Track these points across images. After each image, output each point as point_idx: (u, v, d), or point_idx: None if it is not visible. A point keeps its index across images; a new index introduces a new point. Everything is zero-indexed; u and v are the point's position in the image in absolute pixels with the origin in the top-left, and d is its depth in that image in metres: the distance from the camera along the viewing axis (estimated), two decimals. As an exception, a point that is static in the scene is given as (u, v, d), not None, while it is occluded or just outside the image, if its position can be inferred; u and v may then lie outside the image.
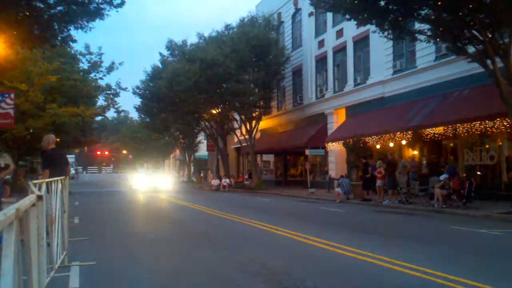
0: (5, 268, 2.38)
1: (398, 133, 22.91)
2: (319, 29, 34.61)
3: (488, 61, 16.31)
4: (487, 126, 18.39)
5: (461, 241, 11.16)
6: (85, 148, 77.23)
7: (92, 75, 38.20)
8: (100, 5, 17.62)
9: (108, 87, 39.47)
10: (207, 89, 35.40)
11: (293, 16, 38.67)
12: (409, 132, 22.31)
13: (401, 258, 8.34)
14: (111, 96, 39.62)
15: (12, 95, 22.05)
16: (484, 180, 20.93)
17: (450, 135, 20.69)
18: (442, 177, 18.12)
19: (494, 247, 10.28)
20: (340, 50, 31.88)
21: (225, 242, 11.21)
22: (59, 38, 19.08)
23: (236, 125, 42.77)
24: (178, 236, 12.44)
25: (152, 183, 38.16)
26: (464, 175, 19.80)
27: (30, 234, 3.47)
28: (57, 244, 7.43)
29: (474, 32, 16.45)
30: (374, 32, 20.02)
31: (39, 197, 3.81)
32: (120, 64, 38.76)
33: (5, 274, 2.36)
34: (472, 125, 18.99)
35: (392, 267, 7.79)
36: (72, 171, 57.92)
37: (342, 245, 9.86)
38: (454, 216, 16.15)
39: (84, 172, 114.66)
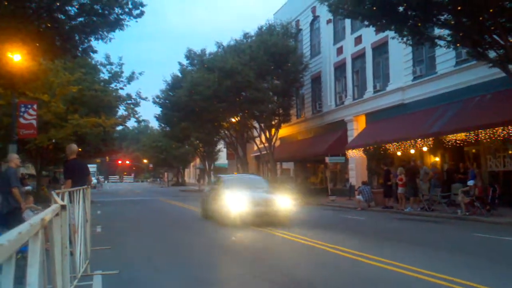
0: (31, 277, 2.41)
1: (419, 139, 22.70)
2: (338, 36, 34.55)
3: (510, 66, 16.12)
4: (510, 131, 18.12)
5: (486, 249, 10.99)
6: (107, 157, 77.92)
7: (112, 85, 38.55)
8: (120, 16, 17.92)
9: (129, 97, 39.83)
10: (226, 97, 35.51)
11: (311, 23, 38.66)
12: (430, 139, 22.09)
13: (427, 267, 8.23)
14: (131, 105, 39.94)
15: (35, 106, 22.40)
16: (508, 186, 20.61)
17: (472, 141, 20.43)
18: (469, 183, 17.89)
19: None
20: (359, 57, 31.78)
21: (245, 250, 11.19)
22: (80, 49, 19.42)
23: (255, 133, 42.81)
24: (198, 244, 12.45)
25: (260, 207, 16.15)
26: (481, 182, 19.51)
27: (54, 243, 3.51)
28: (80, 253, 7.50)
29: (495, 36, 16.28)
30: (393, 38, 19.93)
31: (63, 207, 3.85)
32: (140, 74, 39.03)
33: (31, 283, 2.39)
34: (494, 130, 18.72)
35: (417, 276, 7.68)
36: (94, 180, 58.46)
37: (364, 253, 9.77)
38: (477, 223, 15.93)
39: (106, 182, 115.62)
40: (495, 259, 9.44)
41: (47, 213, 3.09)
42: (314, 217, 19.90)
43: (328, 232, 14.37)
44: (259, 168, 50.75)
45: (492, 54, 17.14)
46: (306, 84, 38.96)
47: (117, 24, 18.11)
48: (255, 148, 43.11)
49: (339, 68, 34.36)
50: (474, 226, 15.21)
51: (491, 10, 15.51)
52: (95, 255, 9.26)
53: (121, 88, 38.79)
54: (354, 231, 14.95)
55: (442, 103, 23.27)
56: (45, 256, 2.83)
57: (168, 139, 64.84)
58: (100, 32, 18.26)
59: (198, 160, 77.36)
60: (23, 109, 21.80)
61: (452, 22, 17.24)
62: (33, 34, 16.84)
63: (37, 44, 17.65)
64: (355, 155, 29.07)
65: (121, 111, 41.01)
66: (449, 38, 18.29)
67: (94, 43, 19.56)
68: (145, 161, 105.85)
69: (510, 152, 20.66)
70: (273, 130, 38.17)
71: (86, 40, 18.90)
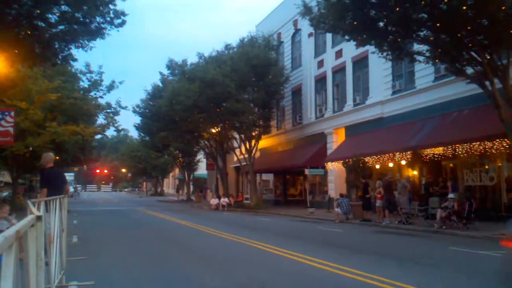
0: (4, 290, 2.37)
1: (398, 153, 22.92)
2: (319, 50, 34.83)
3: (487, 82, 16.39)
4: (487, 146, 18.40)
5: (461, 262, 11.09)
6: (85, 166, 77.17)
7: (92, 93, 38.26)
8: (101, 25, 17.78)
9: (108, 105, 39.51)
10: (206, 108, 35.50)
11: (293, 36, 38.95)
12: (408, 153, 22.31)
13: (402, 280, 8.27)
14: (111, 114, 39.62)
15: (12, 113, 22.11)
16: (484, 201, 20.87)
17: (450, 155, 20.69)
18: (450, 196, 18.07)
19: (495, 269, 10.20)
20: (339, 70, 32.05)
21: (223, 262, 11.13)
22: (60, 56, 19.19)
23: (235, 144, 42.78)
24: (176, 255, 12.35)
25: None
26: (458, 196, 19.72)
27: (29, 255, 3.45)
28: (55, 264, 7.37)
29: (473, 53, 16.57)
30: (373, 52, 20.15)
31: (39, 218, 3.79)
32: (120, 82, 38.76)
33: (4, 296, 2.35)
34: (471, 145, 19.00)
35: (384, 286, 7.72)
36: (71, 189, 57.72)
37: (340, 265, 9.79)
38: (454, 237, 16.08)
39: (83, 190, 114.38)
40: (470, 273, 9.53)
41: (22, 225, 3.04)
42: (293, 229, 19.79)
43: (300, 243, 14.36)
44: (238, 179, 50.68)
45: (470, 70, 17.42)
46: (286, 96, 39.14)
47: (98, 33, 17.98)
48: (235, 159, 43.06)
49: (320, 81, 34.60)
50: (450, 240, 15.34)
51: (469, 28, 15.79)
52: (71, 266, 9.12)
53: (101, 97, 38.52)
54: (328, 243, 14.98)
55: (420, 117, 23.55)
56: (19, 267, 2.79)
57: (148, 148, 64.49)
58: (81, 41, 18.10)
59: (177, 170, 76.94)
60: (0, 116, 21.51)
61: (431, 38, 17.50)
62: (12, 40, 16.62)
63: (16, 51, 17.43)
64: (334, 167, 29.22)
65: (100, 119, 40.72)
66: (428, 54, 18.56)
67: (74, 51, 19.35)
68: (123, 170, 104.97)
69: (486, 167, 20.96)
70: (253, 141, 38.18)
71: (66, 48, 18.71)
